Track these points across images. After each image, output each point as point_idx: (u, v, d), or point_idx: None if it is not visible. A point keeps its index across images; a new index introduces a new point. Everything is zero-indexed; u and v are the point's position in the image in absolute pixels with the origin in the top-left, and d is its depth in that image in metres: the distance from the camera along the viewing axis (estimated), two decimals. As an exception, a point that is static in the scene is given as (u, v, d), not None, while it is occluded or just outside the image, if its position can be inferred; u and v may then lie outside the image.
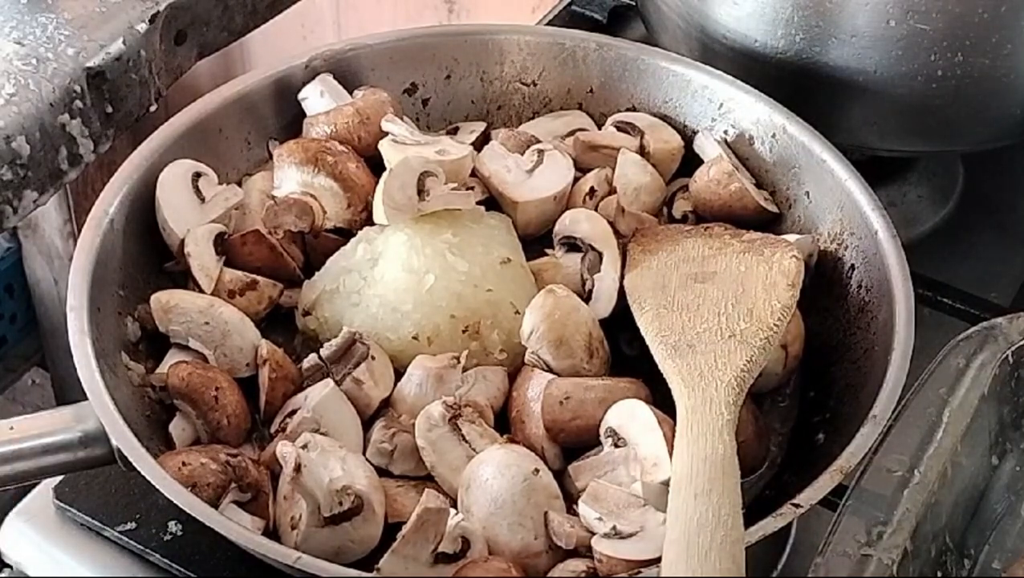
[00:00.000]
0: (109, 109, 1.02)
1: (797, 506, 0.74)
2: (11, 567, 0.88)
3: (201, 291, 0.89)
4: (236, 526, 0.74)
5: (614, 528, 0.76)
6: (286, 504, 0.78)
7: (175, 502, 0.73)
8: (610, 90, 1.05)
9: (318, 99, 1.00)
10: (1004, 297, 1.07)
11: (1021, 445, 0.81)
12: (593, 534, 0.76)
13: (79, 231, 0.89)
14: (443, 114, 1.06)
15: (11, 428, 0.79)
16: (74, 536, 0.87)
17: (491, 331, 0.87)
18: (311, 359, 0.85)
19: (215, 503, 0.77)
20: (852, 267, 0.92)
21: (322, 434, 0.80)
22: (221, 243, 0.91)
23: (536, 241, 0.96)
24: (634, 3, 1.19)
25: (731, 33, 1.04)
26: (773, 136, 0.99)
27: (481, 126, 1.04)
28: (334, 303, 0.89)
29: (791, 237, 0.94)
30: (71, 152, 1.00)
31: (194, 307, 0.87)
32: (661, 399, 0.82)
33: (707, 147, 1.01)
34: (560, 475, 0.82)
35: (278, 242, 0.92)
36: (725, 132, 1.02)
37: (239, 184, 0.98)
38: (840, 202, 0.94)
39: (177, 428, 0.83)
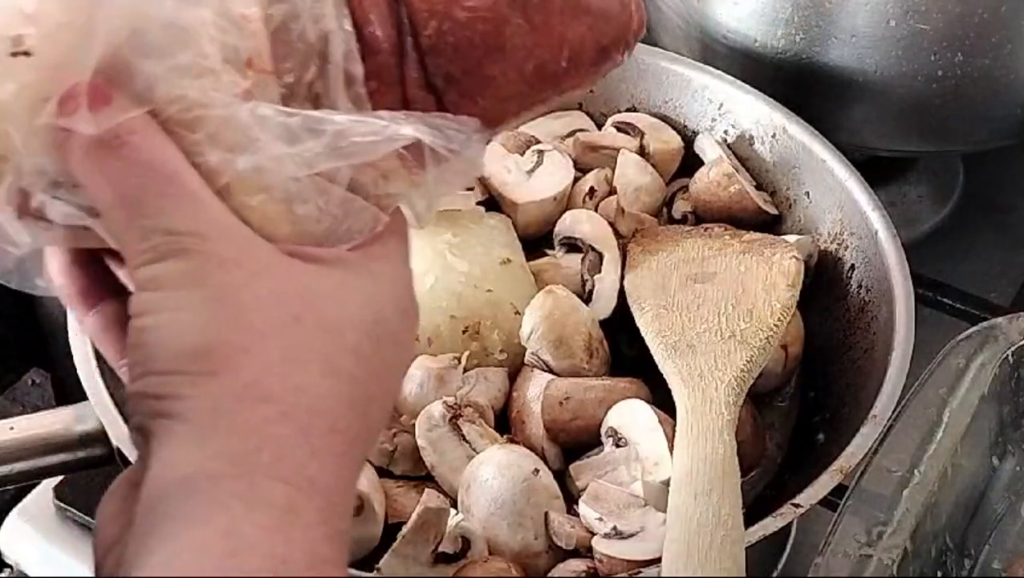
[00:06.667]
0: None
1: (797, 506, 0.74)
2: (11, 567, 0.88)
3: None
4: (236, 526, 0.74)
5: (614, 528, 0.76)
6: (286, 504, 0.77)
7: (175, 502, 0.73)
8: (610, 90, 1.05)
9: (318, 99, 1.00)
10: (1004, 297, 1.07)
11: (1021, 445, 0.81)
12: (593, 534, 0.76)
13: (79, 231, 0.88)
14: (443, 114, 1.06)
15: (11, 428, 0.79)
16: (74, 536, 0.87)
17: (491, 331, 0.87)
18: (311, 359, 0.85)
19: (215, 503, 0.77)
20: (852, 267, 0.93)
21: (322, 434, 0.80)
22: (221, 243, 0.91)
23: (536, 241, 0.96)
24: (634, 3, 1.19)
25: (731, 33, 1.04)
26: (773, 136, 0.99)
27: (481, 126, 1.04)
28: (334, 303, 0.89)
29: (791, 237, 0.94)
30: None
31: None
32: (661, 399, 0.82)
33: (707, 148, 1.01)
34: (560, 475, 0.82)
35: (278, 242, 0.92)
36: (725, 132, 1.02)
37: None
38: (840, 202, 0.94)
39: (177, 428, 0.83)
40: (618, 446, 0.81)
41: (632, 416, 0.81)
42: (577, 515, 0.78)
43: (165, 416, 0.43)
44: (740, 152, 1.01)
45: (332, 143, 0.47)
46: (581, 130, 1.03)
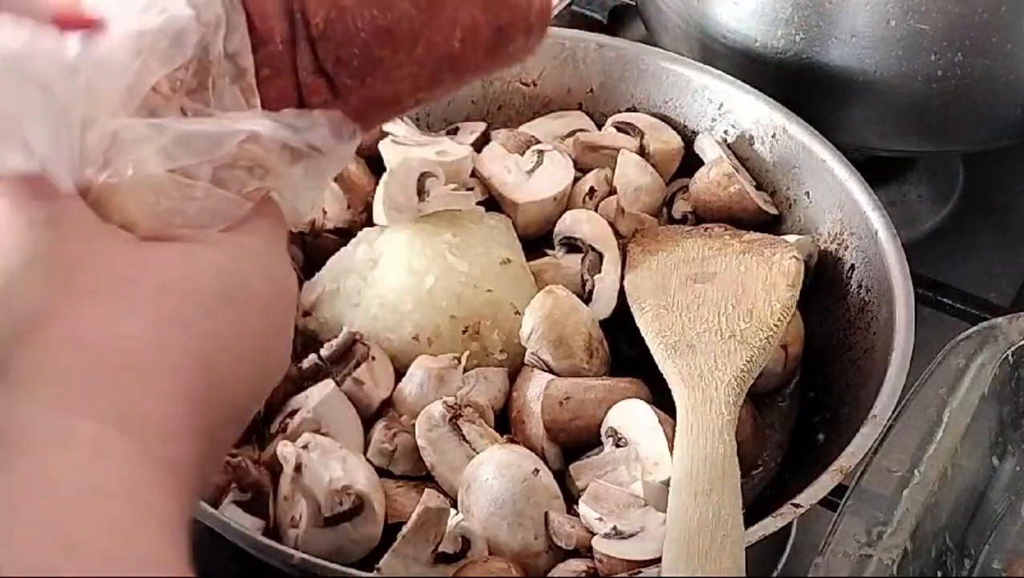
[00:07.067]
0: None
1: (797, 506, 0.74)
2: (11, 567, 0.88)
3: (201, 291, 0.89)
4: (236, 526, 0.74)
5: (614, 528, 0.76)
6: (286, 504, 0.78)
7: (175, 502, 0.73)
8: (610, 90, 1.05)
9: (318, 99, 1.00)
10: (1004, 297, 1.07)
11: (1021, 445, 0.81)
12: (593, 534, 0.76)
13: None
14: (443, 114, 1.06)
15: (11, 428, 0.78)
16: (74, 536, 0.87)
17: (491, 331, 0.87)
18: (311, 359, 0.85)
19: (215, 503, 0.77)
20: (852, 267, 0.93)
21: (323, 434, 0.80)
22: (221, 243, 0.91)
23: (536, 241, 0.96)
24: (634, 3, 1.19)
25: (731, 33, 1.04)
26: (773, 136, 0.99)
27: (481, 126, 1.04)
28: (334, 304, 0.89)
29: (791, 237, 0.94)
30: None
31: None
32: (661, 399, 0.82)
33: (707, 148, 1.01)
34: (560, 475, 0.82)
35: (278, 242, 0.92)
36: (725, 132, 1.02)
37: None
38: (840, 202, 0.94)
39: (177, 428, 0.83)
40: (618, 446, 0.81)
41: (632, 416, 0.81)
42: (577, 515, 0.78)
43: None
44: (740, 152, 1.01)
45: (175, 140, 0.51)
46: (581, 130, 1.03)
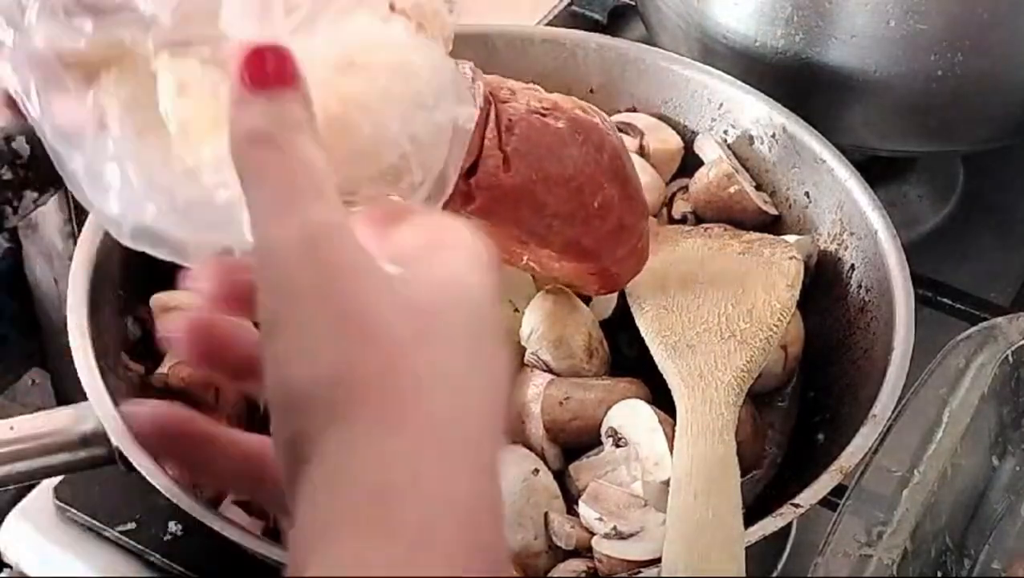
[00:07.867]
0: (109, 109, 1.02)
1: (797, 506, 0.74)
2: (11, 567, 0.88)
3: (201, 291, 0.89)
4: (236, 526, 0.74)
5: (614, 528, 0.76)
6: (286, 504, 0.77)
7: (175, 502, 0.73)
8: (610, 90, 1.05)
9: (318, 99, 1.00)
10: (1004, 297, 1.07)
11: (1021, 445, 0.81)
12: (593, 534, 0.76)
13: (79, 231, 0.88)
14: (443, 114, 1.06)
15: (11, 428, 0.78)
16: (74, 536, 0.87)
17: (491, 331, 0.86)
18: (311, 359, 0.85)
19: (215, 503, 0.77)
20: (852, 267, 0.92)
21: (322, 434, 0.80)
22: (221, 243, 0.91)
23: (536, 241, 0.96)
24: (634, 3, 1.19)
25: (731, 33, 1.04)
26: (773, 136, 0.99)
27: (481, 126, 1.04)
28: (334, 303, 0.89)
29: (791, 238, 0.94)
30: (71, 152, 1.00)
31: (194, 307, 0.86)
32: (661, 399, 0.82)
33: (707, 148, 1.01)
34: (560, 475, 0.82)
35: (278, 242, 0.92)
36: (725, 132, 1.02)
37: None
38: (840, 202, 0.94)
39: (177, 428, 0.83)
40: (618, 446, 0.81)
41: (632, 416, 0.81)
42: (577, 515, 0.78)
43: (303, 461, 0.41)
44: (740, 152, 1.01)
45: None
46: (581, 130, 1.03)
